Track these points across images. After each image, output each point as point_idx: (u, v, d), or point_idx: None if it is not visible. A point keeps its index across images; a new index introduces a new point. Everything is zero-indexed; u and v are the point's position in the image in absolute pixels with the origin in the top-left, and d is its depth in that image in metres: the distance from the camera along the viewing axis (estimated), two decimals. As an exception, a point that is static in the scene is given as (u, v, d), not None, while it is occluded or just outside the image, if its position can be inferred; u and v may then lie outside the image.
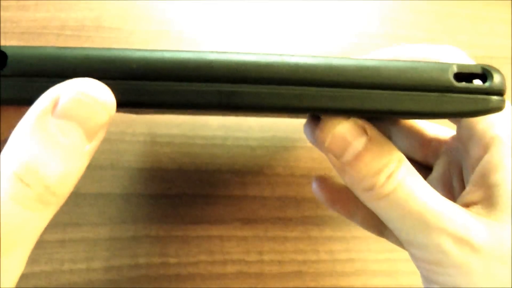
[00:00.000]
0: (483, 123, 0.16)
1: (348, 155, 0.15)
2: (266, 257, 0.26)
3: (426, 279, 0.16)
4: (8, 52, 0.13)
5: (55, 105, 0.12)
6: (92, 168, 0.25)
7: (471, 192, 0.16)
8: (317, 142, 0.16)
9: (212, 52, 0.14)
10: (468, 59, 0.17)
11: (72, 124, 0.12)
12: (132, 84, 0.14)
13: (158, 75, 0.14)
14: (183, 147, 0.27)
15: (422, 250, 0.15)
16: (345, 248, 0.27)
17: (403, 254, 0.27)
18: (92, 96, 0.12)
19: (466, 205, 0.16)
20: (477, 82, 0.15)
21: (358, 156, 0.15)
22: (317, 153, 0.28)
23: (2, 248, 0.11)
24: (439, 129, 0.21)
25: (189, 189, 0.26)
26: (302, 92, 0.14)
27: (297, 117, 0.23)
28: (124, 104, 0.14)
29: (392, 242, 0.20)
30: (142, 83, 0.14)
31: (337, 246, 0.27)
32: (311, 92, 0.14)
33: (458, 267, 0.14)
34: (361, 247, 0.27)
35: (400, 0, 0.32)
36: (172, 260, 0.25)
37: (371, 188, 0.15)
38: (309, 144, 0.28)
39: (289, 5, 0.30)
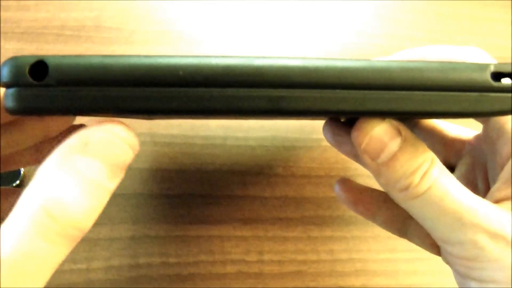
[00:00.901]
0: None
1: (384, 156, 0.15)
2: (266, 257, 0.26)
3: (462, 275, 0.16)
4: (49, 61, 0.13)
5: (85, 144, 0.12)
6: (92, 168, 0.25)
7: (501, 189, 0.16)
8: (354, 144, 0.16)
9: (258, 57, 0.14)
10: (492, 60, 0.17)
11: (99, 162, 0.12)
12: (179, 92, 0.14)
13: (206, 81, 0.14)
14: (183, 147, 0.27)
15: (458, 247, 0.16)
16: (345, 248, 0.27)
17: (403, 254, 0.27)
18: (120, 136, 0.13)
19: (496, 202, 0.16)
20: (506, 81, 0.15)
21: (394, 157, 0.15)
22: (317, 153, 0.28)
23: (21, 277, 0.11)
24: (461, 130, 0.21)
25: (189, 189, 0.26)
26: (348, 95, 0.14)
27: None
28: (172, 111, 0.14)
29: (415, 243, 0.21)
30: (189, 90, 0.14)
31: (337, 246, 0.27)
32: (357, 95, 0.14)
33: (494, 261, 0.15)
34: (361, 247, 0.27)
35: (400, 0, 0.32)
36: (172, 260, 0.25)
37: (406, 188, 0.15)
38: (309, 144, 0.28)
39: (288, 5, 0.30)
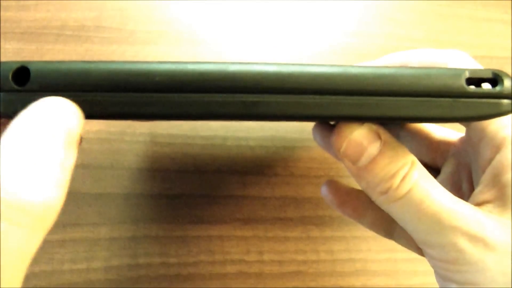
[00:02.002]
0: (494, 124, 0.16)
1: (364, 160, 0.16)
2: (266, 257, 0.26)
3: (443, 278, 0.16)
4: (31, 67, 0.14)
5: (26, 124, 0.12)
6: (92, 168, 0.25)
7: (482, 192, 0.16)
8: (333, 148, 0.16)
9: (233, 63, 0.14)
10: (475, 63, 0.18)
11: (46, 140, 0.12)
12: (156, 97, 0.14)
13: (182, 87, 0.14)
14: (183, 147, 0.27)
15: (438, 249, 0.16)
16: (345, 248, 0.27)
17: (403, 254, 0.27)
18: (59, 107, 0.13)
19: (478, 205, 0.16)
20: (486, 86, 0.15)
21: (373, 161, 0.15)
22: (316, 153, 0.28)
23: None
24: (447, 132, 0.21)
25: (189, 189, 0.26)
26: (321, 100, 0.14)
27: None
28: (149, 116, 0.14)
29: (401, 244, 0.21)
30: (166, 96, 0.14)
31: (337, 246, 0.27)
32: (331, 101, 0.15)
33: (473, 264, 0.15)
34: (361, 247, 0.27)
35: (400, 0, 0.32)
36: (172, 260, 0.25)
37: (386, 191, 0.16)
38: (309, 144, 0.28)
39: (288, 5, 0.30)
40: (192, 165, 0.26)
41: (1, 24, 0.27)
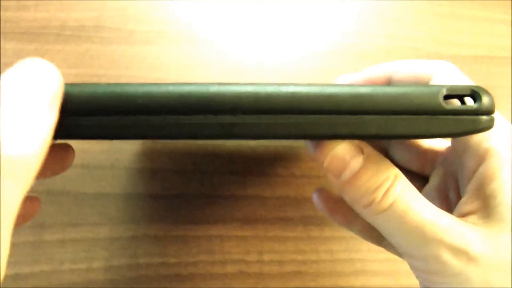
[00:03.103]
0: (477, 136, 0.16)
1: (347, 175, 0.16)
2: (266, 257, 0.26)
3: None
4: None
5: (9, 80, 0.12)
6: (92, 168, 0.25)
7: (467, 203, 0.16)
8: (317, 162, 0.16)
9: (213, 84, 0.15)
10: (461, 76, 0.18)
11: (29, 92, 0.12)
12: (137, 119, 0.14)
13: (162, 109, 0.14)
14: (183, 147, 0.27)
15: (421, 261, 0.16)
16: (345, 248, 0.27)
17: (403, 254, 0.27)
18: (42, 67, 0.13)
19: (463, 215, 0.16)
20: (470, 101, 0.15)
21: (356, 175, 0.16)
22: (317, 153, 0.28)
23: None
24: (435, 141, 0.21)
25: (189, 189, 0.26)
26: (299, 120, 0.15)
27: None
28: (129, 137, 0.15)
29: (391, 251, 0.21)
30: (147, 118, 0.14)
31: (337, 246, 0.27)
32: (308, 120, 0.15)
33: (456, 276, 0.15)
34: (361, 247, 0.27)
35: (400, 0, 0.32)
36: (172, 260, 0.25)
37: (369, 204, 0.16)
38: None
39: (288, 5, 0.30)
40: (192, 165, 0.26)
41: (1, 24, 0.27)
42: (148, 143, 0.26)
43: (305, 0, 0.31)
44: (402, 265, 0.27)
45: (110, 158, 0.26)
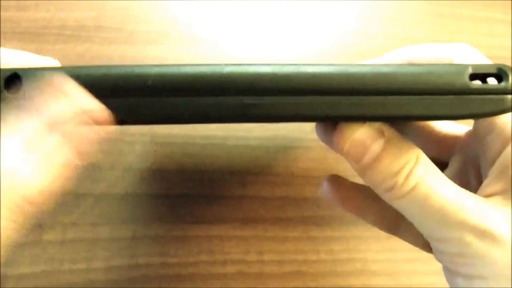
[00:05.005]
0: (503, 117, 0.16)
1: (368, 159, 0.15)
2: (266, 257, 0.26)
3: (450, 271, 0.16)
4: (21, 72, 0.13)
5: (54, 122, 0.12)
6: (92, 168, 0.25)
7: (491, 184, 0.16)
8: (336, 148, 0.16)
9: (228, 65, 0.14)
10: (482, 57, 0.17)
11: (65, 142, 0.12)
12: (151, 101, 0.14)
13: (176, 90, 0.14)
14: (183, 147, 0.27)
15: (445, 243, 0.16)
16: (345, 248, 0.27)
17: (403, 254, 0.27)
18: (88, 110, 0.12)
19: (486, 197, 0.16)
20: (492, 81, 0.15)
21: (377, 159, 0.15)
22: (317, 153, 0.28)
23: None
24: (453, 126, 0.21)
25: (189, 189, 0.26)
26: (320, 101, 0.14)
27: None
28: (144, 120, 0.14)
29: (407, 241, 0.21)
30: (160, 99, 0.14)
31: (337, 246, 0.27)
32: (330, 101, 0.14)
33: (481, 257, 0.15)
34: (361, 247, 0.27)
35: (400, 0, 0.32)
36: (172, 260, 0.25)
37: (391, 189, 0.15)
38: (309, 144, 0.28)
39: (288, 5, 0.30)
40: (192, 165, 0.26)
41: (1, 24, 0.27)
42: (148, 143, 0.26)
43: (306, 0, 0.31)
44: (402, 265, 0.27)
45: (110, 158, 0.26)
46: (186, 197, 0.26)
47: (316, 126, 0.23)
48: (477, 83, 0.15)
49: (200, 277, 0.25)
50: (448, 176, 0.20)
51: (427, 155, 0.21)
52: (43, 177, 0.12)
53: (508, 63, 0.34)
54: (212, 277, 0.25)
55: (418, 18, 0.32)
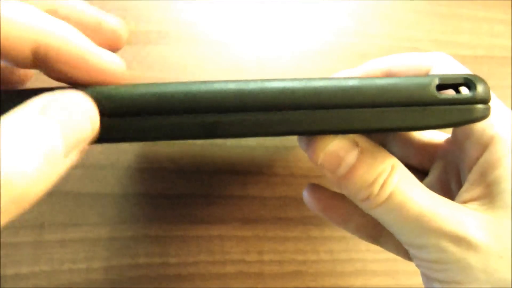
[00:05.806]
0: (480, 124, 0.16)
1: (342, 170, 0.16)
2: (266, 257, 0.26)
3: (427, 277, 0.17)
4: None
5: (44, 107, 0.12)
6: (92, 168, 0.25)
7: (468, 191, 0.16)
8: (311, 160, 0.16)
9: (194, 83, 0.14)
10: (457, 65, 0.17)
11: (56, 129, 0.12)
12: (118, 121, 0.14)
13: (141, 110, 0.14)
14: (183, 147, 0.27)
15: (422, 250, 0.16)
16: (345, 248, 0.27)
17: (403, 254, 0.27)
18: (83, 107, 0.13)
19: (464, 203, 0.16)
20: (463, 90, 0.15)
21: (351, 170, 0.15)
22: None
23: None
24: (434, 134, 0.21)
25: (189, 189, 0.26)
26: (285, 117, 0.14)
27: None
28: (109, 139, 0.14)
29: (387, 249, 0.21)
30: (128, 119, 0.14)
31: (337, 246, 0.27)
32: (295, 116, 0.14)
33: (456, 263, 0.15)
34: (361, 247, 0.27)
35: (400, 0, 0.32)
36: (172, 260, 0.25)
37: (367, 198, 0.16)
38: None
39: (287, 5, 0.30)
40: (192, 165, 0.26)
41: (1, 24, 0.27)
42: (148, 143, 0.26)
43: (305, 0, 0.31)
44: (402, 265, 0.27)
45: (110, 158, 0.26)
46: (186, 197, 0.26)
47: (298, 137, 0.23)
48: (449, 93, 0.15)
49: (200, 277, 0.25)
50: (429, 183, 0.20)
51: (408, 163, 0.21)
52: (37, 172, 0.11)
53: (508, 63, 0.34)
54: (212, 277, 0.25)
55: (418, 18, 0.32)
